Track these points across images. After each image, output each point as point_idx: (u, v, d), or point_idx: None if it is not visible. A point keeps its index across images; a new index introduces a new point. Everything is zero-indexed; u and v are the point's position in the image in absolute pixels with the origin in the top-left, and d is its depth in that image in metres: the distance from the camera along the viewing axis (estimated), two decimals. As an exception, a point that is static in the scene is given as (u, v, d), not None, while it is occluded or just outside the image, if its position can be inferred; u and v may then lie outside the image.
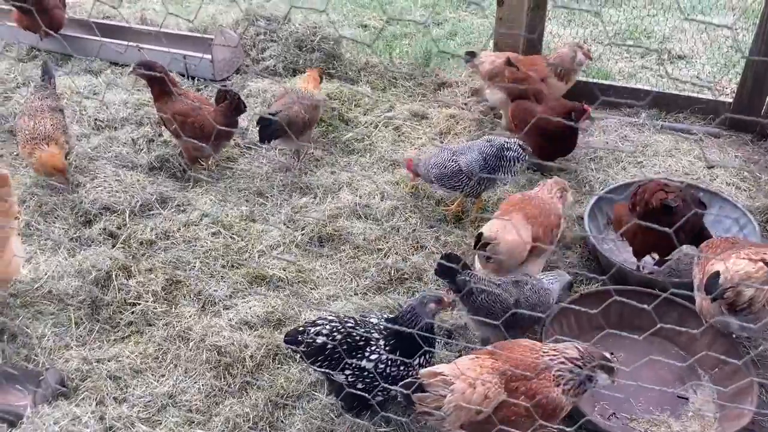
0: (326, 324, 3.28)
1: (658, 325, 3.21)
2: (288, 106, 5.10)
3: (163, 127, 5.40)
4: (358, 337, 3.25)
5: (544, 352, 3.03)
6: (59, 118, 4.96)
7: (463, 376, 2.87)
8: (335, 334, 3.24)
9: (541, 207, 4.08)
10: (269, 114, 4.98)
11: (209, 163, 5.31)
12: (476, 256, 4.02)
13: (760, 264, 3.41)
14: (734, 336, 3.72)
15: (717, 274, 3.49)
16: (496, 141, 4.64)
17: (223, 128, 4.91)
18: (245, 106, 5.19)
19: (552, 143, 5.16)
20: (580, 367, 2.93)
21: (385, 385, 3.20)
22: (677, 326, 3.69)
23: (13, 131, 5.57)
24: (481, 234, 3.82)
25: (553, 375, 2.93)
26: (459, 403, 2.84)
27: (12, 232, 3.81)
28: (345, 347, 3.21)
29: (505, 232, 3.82)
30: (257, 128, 4.99)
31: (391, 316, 3.43)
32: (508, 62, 5.52)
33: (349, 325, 3.29)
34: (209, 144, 4.96)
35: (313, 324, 3.31)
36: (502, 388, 2.89)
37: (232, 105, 5.07)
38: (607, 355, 3.02)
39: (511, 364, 2.94)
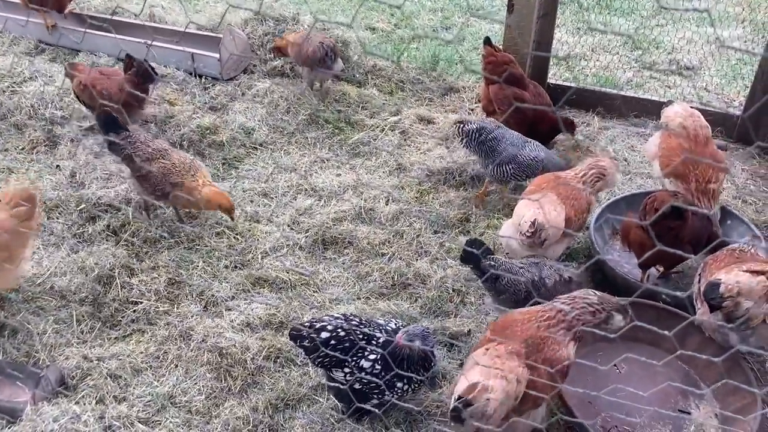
0: (332, 320, 3.30)
1: (679, 352, 3.31)
2: (325, 37, 6.01)
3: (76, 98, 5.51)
4: (361, 336, 3.25)
5: (549, 309, 3.19)
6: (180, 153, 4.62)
7: (493, 373, 2.95)
8: (339, 330, 3.25)
9: (573, 188, 4.14)
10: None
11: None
12: (510, 238, 4.08)
13: (762, 278, 3.39)
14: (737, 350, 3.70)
15: (718, 282, 3.48)
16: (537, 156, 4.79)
17: (133, 96, 5.10)
18: (155, 74, 5.30)
19: (532, 130, 5.22)
20: (599, 310, 3.15)
21: (383, 393, 3.19)
22: (679, 339, 3.70)
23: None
24: (535, 220, 3.86)
25: (573, 318, 3.13)
26: (503, 400, 2.91)
27: (28, 249, 3.88)
28: (347, 344, 3.22)
29: (549, 213, 3.90)
30: (322, 56, 5.80)
31: (399, 323, 3.43)
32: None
33: (354, 323, 3.30)
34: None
35: (319, 320, 3.33)
36: (525, 368, 3.00)
37: (139, 72, 5.20)
38: (621, 301, 3.26)
39: (521, 339, 3.08)
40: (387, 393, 3.24)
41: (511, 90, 5.33)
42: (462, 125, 4.91)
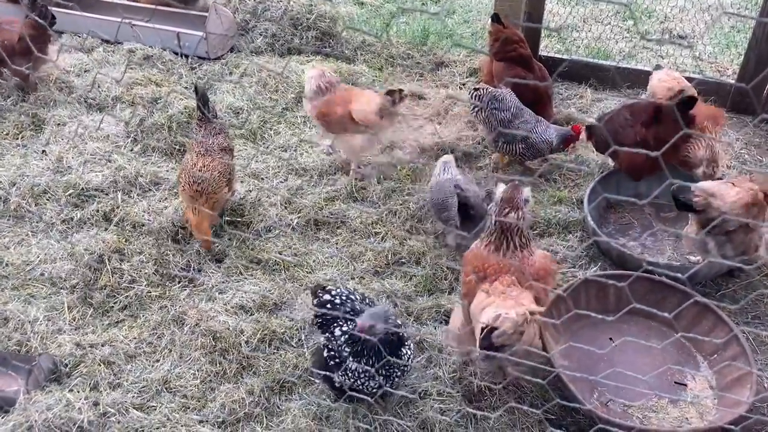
0: (338, 290, 3.38)
1: (680, 334, 3.33)
2: None
3: None
4: (349, 308, 3.27)
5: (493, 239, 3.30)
6: (228, 161, 4.38)
7: (510, 305, 2.99)
8: (336, 298, 3.32)
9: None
10: None
11: (30, 80, 5.60)
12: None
13: (737, 189, 3.63)
14: (729, 314, 3.70)
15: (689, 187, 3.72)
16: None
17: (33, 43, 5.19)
18: (54, 18, 5.43)
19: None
20: (511, 207, 3.24)
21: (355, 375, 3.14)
22: (676, 312, 3.68)
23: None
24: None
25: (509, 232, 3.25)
26: (524, 319, 2.94)
27: None
28: (329, 317, 3.28)
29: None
30: None
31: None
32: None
33: (353, 297, 3.36)
34: (25, 60, 5.31)
35: (333, 287, 3.45)
36: (528, 292, 3.11)
37: (40, 16, 5.27)
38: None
39: (506, 270, 3.19)
40: (364, 390, 3.14)
41: (515, 71, 5.20)
42: (476, 92, 4.85)
